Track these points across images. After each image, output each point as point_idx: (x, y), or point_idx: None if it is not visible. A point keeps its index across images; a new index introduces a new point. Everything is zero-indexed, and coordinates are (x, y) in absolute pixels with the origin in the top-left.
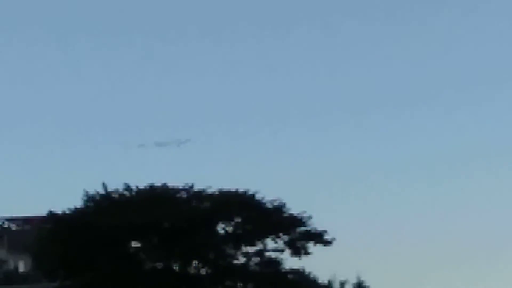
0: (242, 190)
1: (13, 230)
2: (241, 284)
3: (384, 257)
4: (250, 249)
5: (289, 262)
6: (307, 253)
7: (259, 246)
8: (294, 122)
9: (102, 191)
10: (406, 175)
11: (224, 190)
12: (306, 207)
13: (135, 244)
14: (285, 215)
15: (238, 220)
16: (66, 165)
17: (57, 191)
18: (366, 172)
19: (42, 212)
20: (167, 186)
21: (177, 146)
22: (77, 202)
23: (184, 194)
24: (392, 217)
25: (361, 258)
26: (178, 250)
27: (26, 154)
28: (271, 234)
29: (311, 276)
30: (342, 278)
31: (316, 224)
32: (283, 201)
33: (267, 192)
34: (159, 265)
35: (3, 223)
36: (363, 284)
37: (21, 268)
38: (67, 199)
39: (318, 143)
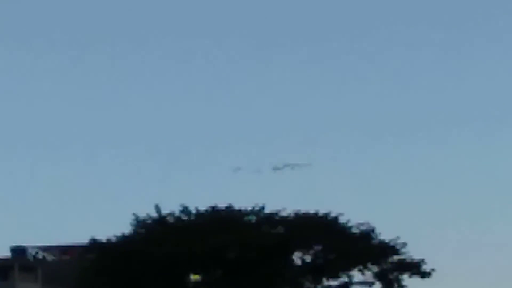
0: (322, 212)
1: (49, 262)
2: None
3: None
4: (333, 282)
5: None
6: (401, 286)
7: (343, 279)
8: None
9: (154, 215)
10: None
11: (301, 212)
12: (400, 233)
13: (194, 277)
14: (375, 241)
15: (318, 247)
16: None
17: (102, 217)
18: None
19: (82, 240)
20: (233, 208)
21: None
22: (125, 228)
23: (253, 217)
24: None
25: None
26: (245, 284)
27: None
28: (358, 264)
29: None
30: None
31: (412, 252)
32: (372, 225)
33: (354, 215)
34: None
35: (37, 253)
36: None
37: None
38: (113, 226)
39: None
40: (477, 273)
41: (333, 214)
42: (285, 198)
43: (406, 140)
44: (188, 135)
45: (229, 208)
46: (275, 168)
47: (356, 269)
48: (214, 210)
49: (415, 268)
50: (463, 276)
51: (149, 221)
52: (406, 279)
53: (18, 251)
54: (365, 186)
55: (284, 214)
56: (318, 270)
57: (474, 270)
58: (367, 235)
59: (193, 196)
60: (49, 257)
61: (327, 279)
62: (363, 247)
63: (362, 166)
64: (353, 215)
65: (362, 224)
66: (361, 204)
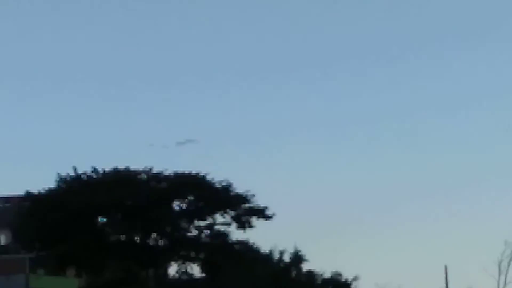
0: (195, 172)
1: None
2: (194, 254)
3: (318, 229)
4: (202, 223)
5: (235, 234)
6: (251, 227)
7: (209, 221)
8: None
9: (72, 173)
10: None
11: (179, 172)
12: (250, 186)
13: (101, 219)
14: (232, 193)
15: (191, 198)
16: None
17: (37, 173)
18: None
19: (21, 191)
20: (130, 169)
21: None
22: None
23: (144, 176)
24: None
25: (298, 231)
26: (139, 224)
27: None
28: (220, 210)
29: (255, 246)
30: (281, 248)
31: (259, 201)
32: (230, 181)
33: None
34: (123, 237)
35: None
36: (300, 253)
37: (2, 241)
38: (45, 181)
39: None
40: (308, 216)
41: (202, 174)
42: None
43: None
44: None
45: (127, 169)
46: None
47: (218, 214)
48: (115, 170)
49: (261, 213)
50: (297, 219)
51: (69, 178)
52: (254, 221)
53: None
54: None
55: (166, 173)
56: (191, 214)
57: (306, 215)
58: (227, 188)
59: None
60: None
61: (198, 221)
62: (224, 197)
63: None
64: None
65: (223, 180)
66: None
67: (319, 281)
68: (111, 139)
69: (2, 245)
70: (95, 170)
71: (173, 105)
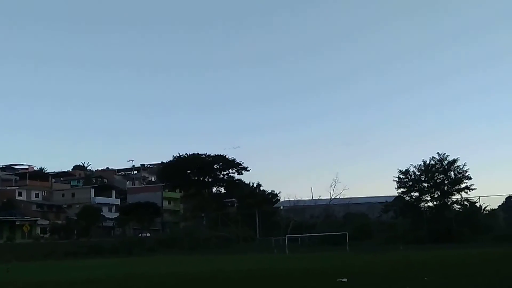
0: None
1: None
2: (220, 183)
3: None
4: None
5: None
6: (231, 177)
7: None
8: None
9: (180, 154)
10: None
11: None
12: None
13: (189, 171)
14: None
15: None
16: None
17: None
18: None
19: (158, 161)
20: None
21: None
22: (169, 157)
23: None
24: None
25: None
26: (203, 173)
27: None
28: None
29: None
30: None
31: (238, 157)
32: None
33: None
34: (197, 178)
35: None
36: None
37: (153, 179)
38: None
39: None
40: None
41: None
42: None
43: None
44: None
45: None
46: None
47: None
48: (199, 154)
49: (239, 165)
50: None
51: (177, 156)
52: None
53: None
54: None
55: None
56: (220, 169)
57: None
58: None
59: None
60: None
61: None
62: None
63: None
64: None
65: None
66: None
67: None
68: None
69: (154, 181)
70: (194, 154)
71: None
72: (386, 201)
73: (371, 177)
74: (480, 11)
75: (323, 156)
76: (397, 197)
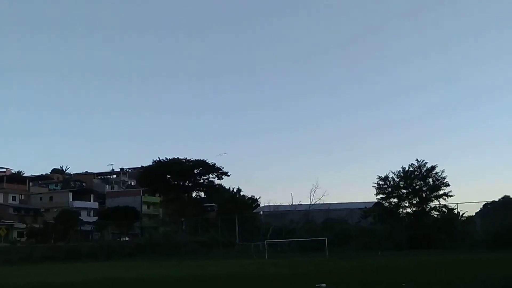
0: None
1: None
2: (201, 188)
3: None
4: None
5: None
6: (212, 181)
7: (205, 176)
8: None
9: (158, 159)
10: None
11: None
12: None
13: (168, 176)
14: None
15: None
16: None
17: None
18: None
19: (138, 165)
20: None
21: None
22: (149, 161)
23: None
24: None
25: None
26: (183, 179)
27: None
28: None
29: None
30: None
31: (219, 163)
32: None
33: None
34: (176, 182)
35: None
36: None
37: (133, 183)
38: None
39: None
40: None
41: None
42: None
43: None
44: None
45: (183, 158)
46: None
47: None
48: (178, 159)
49: (219, 170)
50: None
51: (158, 160)
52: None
53: None
54: None
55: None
56: (200, 174)
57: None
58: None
59: None
60: None
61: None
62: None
63: None
64: None
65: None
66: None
67: None
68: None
69: (134, 185)
70: (174, 158)
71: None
72: (365, 207)
73: (351, 183)
74: (461, 19)
75: (304, 162)
76: (376, 203)
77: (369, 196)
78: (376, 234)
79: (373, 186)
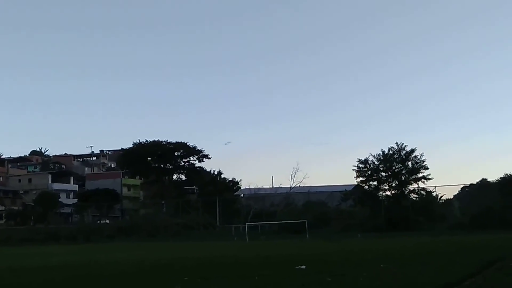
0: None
1: None
2: (181, 171)
3: None
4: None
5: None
6: (192, 164)
7: (187, 159)
8: None
9: (139, 141)
10: None
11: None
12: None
13: (149, 158)
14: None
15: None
16: None
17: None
18: None
19: (117, 147)
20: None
21: None
22: (130, 144)
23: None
24: None
25: None
26: (164, 161)
27: None
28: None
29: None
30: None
31: (199, 145)
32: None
33: None
34: (156, 164)
35: None
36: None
37: (113, 165)
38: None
39: None
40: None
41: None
42: None
43: None
44: None
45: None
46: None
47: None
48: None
49: (200, 153)
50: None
51: (138, 142)
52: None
53: None
54: None
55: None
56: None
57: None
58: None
59: None
60: None
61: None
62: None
63: None
64: None
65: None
66: None
67: None
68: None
69: (114, 167)
70: (155, 141)
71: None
72: (345, 189)
73: (331, 166)
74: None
75: (284, 145)
76: (356, 186)
77: (349, 179)
78: (355, 217)
79: (353, 169)
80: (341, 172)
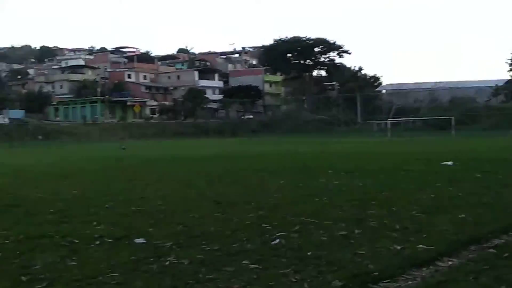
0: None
1: None
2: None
3: None
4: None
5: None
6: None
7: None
8: None
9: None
10: None
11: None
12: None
13: (289, 55)
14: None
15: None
16: None
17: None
18: None
19: (259, 44)
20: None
21: None
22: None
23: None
24: None
25: None
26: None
27: None
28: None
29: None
30: None
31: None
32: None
33: None
34: (298, 61)
35: None
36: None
37: (255, 62)
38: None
39: None
40: None
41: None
42: None
43: None
44: None
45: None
46: None
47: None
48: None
49: (340, 48)
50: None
51: (278, 40)
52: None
53: None
54: None
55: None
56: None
57: None
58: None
59: None
60: None
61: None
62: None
63: None
64: None
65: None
66: None
67: None
68: None
69: (255, 64)
70: (295, 37)
71: None
72: (496, 84)
73: (479, 60)
74: None
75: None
76: (508, 80)
77: (501, 73)
78: (506, 113)
79: (506, 62)
80: (491, 66)
